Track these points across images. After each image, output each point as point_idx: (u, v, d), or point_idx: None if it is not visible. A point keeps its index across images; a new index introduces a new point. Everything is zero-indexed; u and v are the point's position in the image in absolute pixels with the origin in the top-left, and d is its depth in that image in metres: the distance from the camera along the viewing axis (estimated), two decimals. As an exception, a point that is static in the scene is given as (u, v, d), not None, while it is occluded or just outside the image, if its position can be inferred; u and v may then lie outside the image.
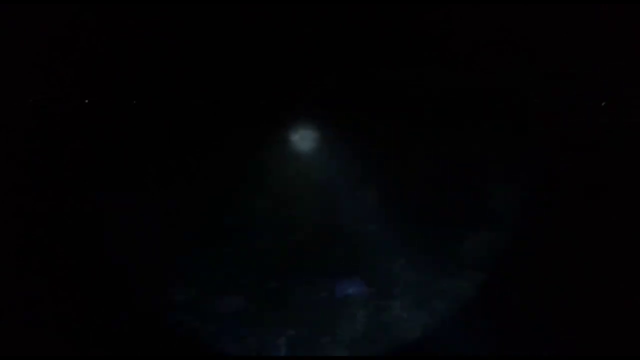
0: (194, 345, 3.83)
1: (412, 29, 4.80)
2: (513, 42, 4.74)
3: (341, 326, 3.95)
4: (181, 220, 4.65)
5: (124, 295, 4.09)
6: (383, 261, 4.37)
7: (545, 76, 4.74)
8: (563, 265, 4.40)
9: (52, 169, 4.67)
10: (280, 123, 4.93)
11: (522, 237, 4.54)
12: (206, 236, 4.55)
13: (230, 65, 4.88)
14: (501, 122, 4.82)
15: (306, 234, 4.58)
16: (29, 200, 4.58)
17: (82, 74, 4.71)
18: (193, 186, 4.79)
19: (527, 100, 4.78)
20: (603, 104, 4.64)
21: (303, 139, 4.89)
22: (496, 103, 4.85)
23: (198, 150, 4.87)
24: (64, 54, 4.60)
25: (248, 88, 4.94)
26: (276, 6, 4.72)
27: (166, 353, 3.63)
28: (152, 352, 3.66)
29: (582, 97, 4.61)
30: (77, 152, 4.76)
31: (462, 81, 4.88)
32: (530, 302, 4.38)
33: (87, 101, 4.69)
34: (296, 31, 4.81)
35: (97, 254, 4.32)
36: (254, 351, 3.71)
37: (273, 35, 4.81)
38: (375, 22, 4.78)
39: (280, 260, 4.37)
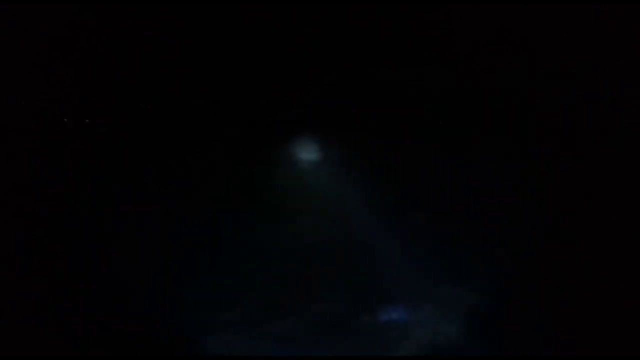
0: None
1: (412, 29, 4.79)
2: (513, 42, 4.73)
3: (387, 351, 4.00)
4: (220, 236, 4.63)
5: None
6: (426, 285, 4.37)
7: (545, 76, 4.73)
8: (563, 265, 4.41)
9: (52, 169, 4.66)
10: (280, 124, 4.92)
11: (523, 237, 4.54)
12: (254, 256, 4.53)
13: (229, 65, 4.87)
14: (501, 122, 4.83)
15: (348, 255, 4.55)
16: (30, 201, 4.56)
17: (81, 74, 4.70)
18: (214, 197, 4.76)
19: (527, 100, 4.77)
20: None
21: (306, 143, 4.87)
22: (496, 103, 4.84)
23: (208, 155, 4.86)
24: (64, 53, 4.59)
25: (246, 88, 4.93)
26: (276, 6, 4.71)
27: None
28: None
29: (582, 97, 4.60)
30: (76, 153, 4.76)
31: (462, 81, 4.87)
32: (530, 302, 4.39)
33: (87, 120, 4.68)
34: (296, 31, 4.80)
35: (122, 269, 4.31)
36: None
37: (272, 35, 4.80)
38: (375, 22, 4.77)
39: (326, 282, 4.37)
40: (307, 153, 4.92)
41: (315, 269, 4.55)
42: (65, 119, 4.75)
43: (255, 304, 4.38)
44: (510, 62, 4.75)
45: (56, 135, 4.72)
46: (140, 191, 4.74)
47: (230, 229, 4.70)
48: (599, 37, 4.52)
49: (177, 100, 4.89)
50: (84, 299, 4.40)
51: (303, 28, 4.79)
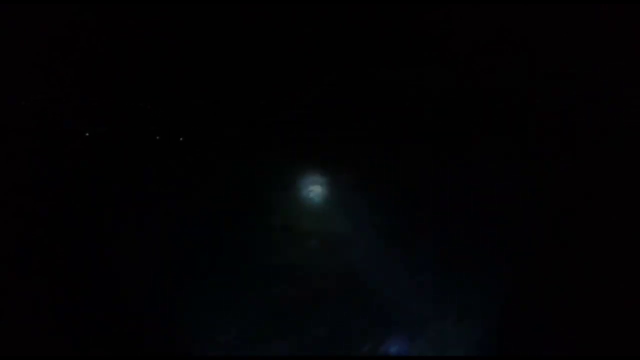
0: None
1: (412, 29, 4.79)
2: (513, 42, 4.73)
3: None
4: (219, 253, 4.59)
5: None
6: (433, 316, 4.31)
7: (545, 76, 4.73)
8: (563, 266, 4.40)
9: (52, 169, 4.65)
10: (280, 124, 4.91)
11: (523, 235, 4.54)
12: (250, 275, 4.50)
13: (229, 65, 4.86)
14: (501, 122, 4.82)
15: (354, 279, 4.51)
16: (30, 201, 4.56)
17: (81, 74, 4.70)
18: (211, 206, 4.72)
19: (527, 100, 4.76)
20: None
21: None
22: (496, 103, 4.84)
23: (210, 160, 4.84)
24: (64, 53, 4.59)
25: (246, 88, 4.92)
26: (276, 6, 4.71)
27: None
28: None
29: (582, 97, 4.60)
30: (76, 153, 4.75)
31: (462, 81, 4.86)
32: (530, 303, 4.39)
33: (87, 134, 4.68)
34: (296, 31, 4.79)
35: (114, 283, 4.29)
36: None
37: (272, 35, 4.80)
38: (375, 22, 4.77)
39: (327, 306, 4.31)
40: (308, 156, 4.91)
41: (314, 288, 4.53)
42: (65, 119, 4.74)
43: (252, 325, 4.36)
44: (510, 62, 4.75)
45: (56, 135, 4.72)
46: (140, 191, 4.73)
47: (230, 234, 4.69)
48: (599, 37, 4.52)
49: (177, 100, 4.89)
50: (82, 299, 4.40)
51: (303, 28, 4.78)
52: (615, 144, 4.53)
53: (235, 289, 4.55)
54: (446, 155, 4.80)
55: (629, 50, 4.50)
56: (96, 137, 4.79)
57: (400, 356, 4.24)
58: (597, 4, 4.47)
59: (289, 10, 4.69)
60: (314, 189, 4.93)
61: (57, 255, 4.48)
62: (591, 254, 4.34)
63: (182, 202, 4.71)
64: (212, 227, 4.70)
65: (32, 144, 4.63)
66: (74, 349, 4.18)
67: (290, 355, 4.35)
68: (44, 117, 4.70)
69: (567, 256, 4.40)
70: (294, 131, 4.93)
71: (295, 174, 4.92)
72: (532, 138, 4.76)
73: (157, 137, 4.85)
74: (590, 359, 4.07)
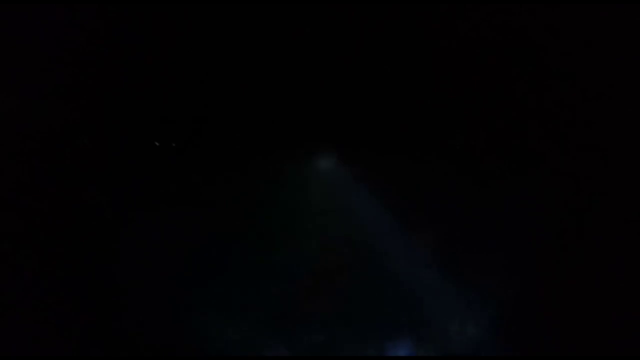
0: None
1: (412, 29, 4.79)
2: (513, 42, 4.73)
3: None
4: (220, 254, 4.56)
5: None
6: (439, 318, 4.24)
7: (545, 76, 4.74)
8: (564, 266, 4.40)
9: (55, 178, 4.65)
10: (291, 134, 4.89)
11: (524, 235, 4.54)
12: (249, 276, 4.47)
13: (230, 66, 4.87)
14: (501, 122, 4.83)
15: (355, 281, 4.47)
16: (31, 204, 4.55)
17: (83, 77, 4.69)
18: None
19: (526, 100, 4.77)
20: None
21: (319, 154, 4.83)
22: (497, 101, 4.84)
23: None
24: (64, 56, 4.59)
25: (254, 98, 4.92)
26: (275, 6, 4.70)
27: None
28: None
29: (582, 97, 4.61)
30: (83, 163, 4.74)
31: (462, 78, 4.87)
32: (531, 303, 4.39)
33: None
34: (296, 31, 4.80)
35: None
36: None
37: (272, 36, 4.80)
38: (375, 22, 4.77)
39: (326, 308, 4.25)
40: (319, 166, 4.90)
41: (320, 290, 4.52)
42: (68, 124, 4.74)
43: (254, 326, 4.35)
44: (510, 62, 4.75)
45: (55, 139, 4.71)
46: (143, 193, 4.74)
47: (234, 244, 4.68)
48: (599, 37, 4.52)
49: (178, 102, 4.89)
50: (83, 300, 4.41)
51: (304, 28, 4.78)
52: (615, 144, 4.54)
53: (235, 288, 4.56)
54: (447, 154, 4.82)
55: (629, 50, 4.51)
56: (96, 142, 4.79)
57: (402, 356, 4.25)
58: (597, 4, 4.47)
59: (303, 20, 4.69)
60: (315, 188, 4.93)
61: (59, 258, 4.49)
62: (592, 254, 4.34)
63: (182, 203, 4.72)
64: (211, 229, 4.70)
65: (30, 148, 4.62)
66: (74, 349, 4.19)
67: (290, 356, 4.36)
68: (45, 120, 4.70)
69: (567, 256, 4.41)
70: (295, 131, 4.93)
71: (296, 173, 4.93)
72: (532, 138, 4.77)
73: (162, 146, 4.84)
74: (590, 359, 4.07)
